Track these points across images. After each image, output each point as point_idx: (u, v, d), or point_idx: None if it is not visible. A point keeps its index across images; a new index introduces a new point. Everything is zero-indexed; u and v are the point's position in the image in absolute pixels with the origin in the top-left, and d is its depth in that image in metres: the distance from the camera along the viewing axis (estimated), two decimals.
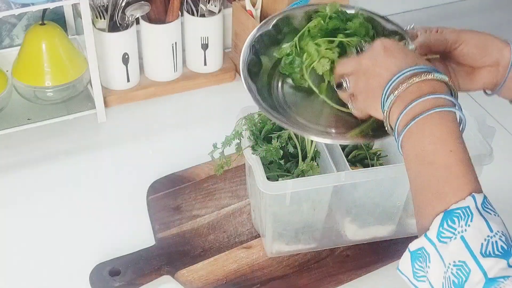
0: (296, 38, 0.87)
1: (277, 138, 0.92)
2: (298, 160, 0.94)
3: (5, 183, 1.10)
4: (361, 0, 1.52)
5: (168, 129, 1.26)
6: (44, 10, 1.15)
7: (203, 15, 1.30)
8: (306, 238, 0.97)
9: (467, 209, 0.65)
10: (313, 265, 0.97)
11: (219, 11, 1.31)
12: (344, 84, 0.78)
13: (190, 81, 1.35)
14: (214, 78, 1.37)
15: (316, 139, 0.82)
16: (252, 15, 1.33)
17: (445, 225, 0.65)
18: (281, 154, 0.92)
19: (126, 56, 1.26)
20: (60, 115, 1.19)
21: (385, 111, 0.72)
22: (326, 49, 0.85)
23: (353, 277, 0.96)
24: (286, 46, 0.87)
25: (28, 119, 1.17)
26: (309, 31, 0.87)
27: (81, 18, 1.12)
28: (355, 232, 0.99)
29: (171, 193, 1.08)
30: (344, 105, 0.82)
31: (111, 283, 0.92)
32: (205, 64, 1.36)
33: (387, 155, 1.04)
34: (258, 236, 1.01)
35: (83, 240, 1.01)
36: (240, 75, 0.87)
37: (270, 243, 0.96)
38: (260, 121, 0.96)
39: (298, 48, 0.87)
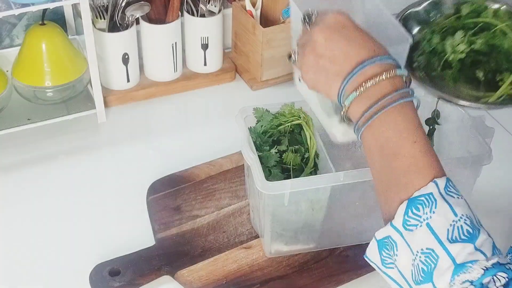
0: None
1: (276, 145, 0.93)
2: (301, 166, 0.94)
3: (5, 183, 1.10)
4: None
5: (168, 129, 1.26)
6: (44, 10, 1.15)
7: (203, 15, 1.30)
8: (305, 238, 0.97)
9: (431, 195, 0.66)
10: (313, 265, 0.98)
11: (219, 11, 1.31)
12: (293, 56, 0.78)
13: (190, 81, 1.35)
14: (214, 78, 1.37)
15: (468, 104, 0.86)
16: (252, 15, 1.33)
17: (410, 213, 0.66)
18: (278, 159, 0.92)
19: (126, 56, 1.26)
20: (60, 115, 1.19)
21: (345, 105, 0.72)
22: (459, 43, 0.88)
23: (353, 277, 0.96)
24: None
25: (28, 119, 1.17)
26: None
27: (81, 18, 1.12)
28: (344, 134, 0.97)
29: (171, 193, 1.08)
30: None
31: (111, 283, 0.92)
32: (205, 64, 1.36)
33: None
34: (258, 236, 1.01)
35: (83, 240, 1.01)
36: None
37: (269, 243, 0.96)
38: (257, 120, 0.96)
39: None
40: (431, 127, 1.02)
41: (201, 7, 1.29)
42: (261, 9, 1.36)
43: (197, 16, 1.30)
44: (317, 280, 0.96)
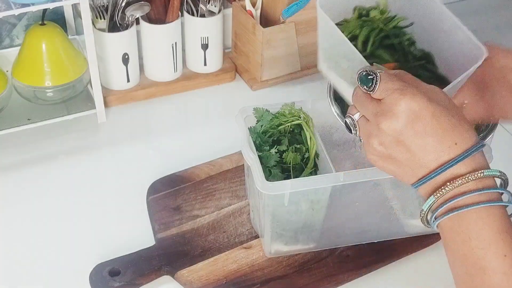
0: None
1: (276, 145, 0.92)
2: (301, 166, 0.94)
3: (5, 183, 1.10)
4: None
5: (168, 129, 1.26)
6: (44, 10, 1.15)
7: (203, 15, 1.30)
8: (305, 239, 0.97)
9: None
10: (313, 265, 0.97)
11: (219, 11, 1.31)
12: (351, 127, 0.70)
13: (190, 81, 1.35)
14: (214, 78, 1.37)
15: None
16: (252, 15, 1.33)
17: None
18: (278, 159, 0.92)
19: (126, 56, 1.26)
20: (60, 115, 1.19)
21: (422, 210, 0.66)
22: None
23: (353, 277, 0.96)
24: None
25: (28, 119, 1.17)
26: None
27: (81, 18, 1.12)
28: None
29: (171, 193, 1.08)
30: None
31: (111, 283, 0.92)
32: (205, 64, 1.36)
33: None
34: (258, 236, 1.01)
35: (83, 240, 1.01)
36: None
37: (269, 243, 0.96)
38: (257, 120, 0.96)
39: None
40: None
41: (201, 7, 1.29)
42: (261, 9, 1.36)
43: (197, 16, 1.30)
44: (317, 280, 0.96)
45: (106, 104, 1.25)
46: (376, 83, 0.66)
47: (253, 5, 1.35)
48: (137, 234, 1.02)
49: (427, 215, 0.66)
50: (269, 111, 0.97)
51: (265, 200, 0.89)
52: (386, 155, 0.66)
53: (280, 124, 0.96)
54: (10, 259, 0.98)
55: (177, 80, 1.34)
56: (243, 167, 1.10)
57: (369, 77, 0.67)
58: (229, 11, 1.39)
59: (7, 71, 1.19)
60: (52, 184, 1.11)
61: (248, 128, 0.95)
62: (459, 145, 0.63)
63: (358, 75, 0.68)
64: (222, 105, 1.34)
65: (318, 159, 0.95)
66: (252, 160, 0.89)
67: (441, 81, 0.73)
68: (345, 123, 0.72)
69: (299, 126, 0.96)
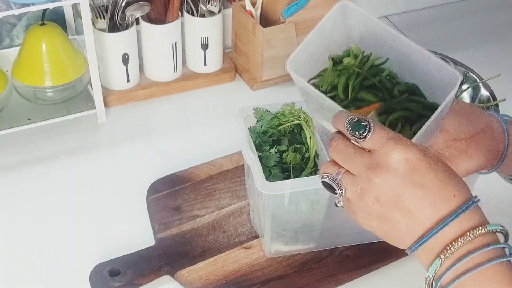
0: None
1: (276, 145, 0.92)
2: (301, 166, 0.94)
3: (5, 183, 1.10)
4: (360, 1, 1.53)
5: (168, 129, 1.26)
6: (44, 10, 1.15)
7: (203, 15, 1.30)
8: (305, 239, 0.97)
9: None
10: (313, 265, 0.97)
11: (219, 11, 1.31)
12: (334, 186, 0.62)
13: (190, 81, 1.35)
14: (214, 78, 1.37)
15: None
16: (252, 15, 1.33)
17: None
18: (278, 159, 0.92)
19: (126, 56, 1.26)
20: (60, 115, 1.19)
21: (428, 276, 0.61)
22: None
23: (353, 277, 0.96)
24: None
25: (28, 119, 1.17)
26: None
27: (81, 18, 1.12)
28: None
29: (171, 193, 1.08)
30: None
31: (111, 283, 0.92)
32: (205, 64, 1.36)
33: None
34: (258, 236, 1.01)
35: (83, 240, 1.01)
36: None
37: (269, 243, 0.96)
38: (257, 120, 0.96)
39: None
40: None
41: (201, 7, 1.29)
42: (261, 9, 1.36)
43: (197, 16, 1.30)
44: (317, 280, 0.96)
45: (106, 104, 1.25)
46: (369, 131, 0.60)
47: (253, 5, 1.35)
48: (137, 234, 1.02)
49: (432, 283, 0.60)
50: (269, 111, 0.97)
51: (265, 200, 0.89)
52: (380, 213, 0.59)
53: (280, 124, 0.96)
54: (10, 259, 0.98)
55: (177, 80, 1.34)
56: (243, 167, 1.11)
57: (361, 123, 0.61)
58: (229, 11, 1.39)
59: (7, 71, 1.19)
60: (52, 184, 1.11)
61: (248, 128, 0.96)
62: (457, 197, 0.58)
63: (348, 121, 0.61)
64: (222, 105, 1.34)
65: (318, 159, 0.95)
66: (252, 160, 0.89)
67: (431, 110, 0.72)
68: (324, 183, 0.64)
69: (299, 126, 0.96)
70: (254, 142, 0.94)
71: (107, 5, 1.22)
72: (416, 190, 0.58)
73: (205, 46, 1.33)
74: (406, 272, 0.98)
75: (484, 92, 1.11)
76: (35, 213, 1.05)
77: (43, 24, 1.16)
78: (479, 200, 0.60)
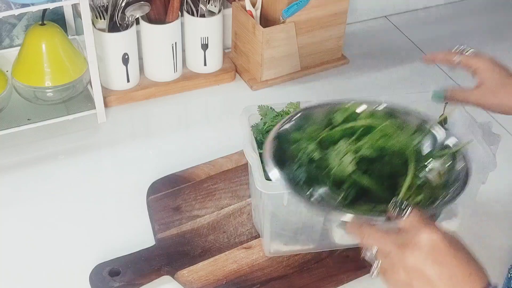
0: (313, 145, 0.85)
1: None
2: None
3: (5, 183, 1.10)
4: (361, 1, 1.53)
5: (168, 129, 1.26)
6: (44, 10, 1.15)
7: (203, 15, 1.30)
8: (305, 239, 0.97)
9: None
10: (313, 265, 0.97)
11: (219, 11, 1.31)
12: (373, 265, 0.72)
13: (190, 81, 1.35)
14: (214, 78, 1.37)
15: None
16: (252, 15, 1.33)
17: None
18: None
19: (126, 56, 1.26)
20: (60, 115, 1.19)
21: None
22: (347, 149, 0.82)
23: (353, 277, 0.96)
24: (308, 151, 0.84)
25: (28, 119, 1.17)
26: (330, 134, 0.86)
27: (81, 18, 1.12)
28: (341, 237, 0.98)
29: (171, 193, 1.08)
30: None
31: (111, 284, 0.92)
32: (205, 64, 1.36)
33: None
34: (258, 236, 1.01)
35: (83, 241, 1.01)
36: None
37: (268, 242, 0.96)
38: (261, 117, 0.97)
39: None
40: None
41: (201, 7, 1.29)
42: (261, 9, 1.36)
43: (197, 16, 1.30)
44: (317, 280, 0.96)
45: (106, 104, 1.25)
46: (407, 211, 0.72)
47: (253, 5, 1.35)
48: (137, 234, 1.02)
49: None
50: (273, 109, 0.97)
51: (265, 199, 0.89)
52: (407, 282, 0.69)
53: None
54: (10, 259, 0.98)
55: (177, 80, 1.34)
56: (243, 167, 1.11)
57: (402, 206, 0.73)
58: (229, 11, 1.39)
59: (7, 71, 1.19)
60: (52, 184, 1.11)
61: (251, 126, 0.95)
62: (473, 276, 0.66)
63: (393, 202, 0.74)
64: (222, 105, 1.34)
65: None
66: (252, 159, 0.89)
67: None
68: (364, 258, 0.75)
69: None
70: (256, 139, 0.93)
71: (107, 5, 1.22)
72: (437, 266, 0.67)
73: (205, 46, 1.33)
74: None
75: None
76: (35, 213, 1.05)
77: (43, 24, 1.16)
78: (496, 286, 0.66)
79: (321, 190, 0.82)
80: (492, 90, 0.92)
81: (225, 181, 1.11)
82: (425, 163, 0.85)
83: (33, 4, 1.06)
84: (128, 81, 1.30)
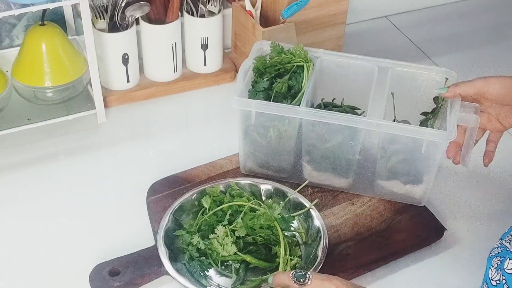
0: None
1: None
2: None
3: (5, 183, 1.10)
4: (361, 1, 1.53)
5: (168, 129, 1.26)
6: (44, 11, 1.15)
7: (203, 16, 1.31)
8: (276, 166, 1.08)
9: None
10: None
11: (219, 11, 1.31)
12: None
13: (190, 81, 1.35)
14: (214, 78, 1.37)
15: None
16: (252, 15, 1.33)
17: None
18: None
19: (126, 57, 1.26)
20: (60, 115, 1.19)
21: None
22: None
23: (353, 276, 0.96)
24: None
25: (28, 120, 1.17)
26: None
27: (81, 18, 1.12)
28: (310, 173, 1.07)
29: (171, 194, 1.08)
30: None
31: (110, 283, 0.92)
32: (205, 64, 1.36)
33: None
34: None
35: (83, 241, 1.01)
36: None
37: (244, 159, 1.09)
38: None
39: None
40: (439, 105, 1.05)
41: (201, 7, 1.29)
42: (261, 9, 1.36)
43: (197, 16, 1.30)
44: None
45: (106, 104, 1.25)
46: (309, 278, 0.81)
47: (253, 5, 1.35)
48: (137, 234, 1.02)
49: None
50: (283, 48, 1.09)
51: (238, 117, 1.03)
52: None
53: (289, 62, 1.07)
54: (10, 259, 0.98)
55: (177, 80, 1.34)
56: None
57: (303, 274, 0.81)
58: (229, 11, 1.39)
59: (7, 71, 1.19)
60: (52, 184, 1.11)
61: (257, 56, 1.09)
62: None
63: (292, 275, 0.82)
64: (222, 105, 1.34)
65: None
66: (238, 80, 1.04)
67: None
68: None
69: (302, 67, 1.07)
70: (258, 68, 1.07)
71: (107, 5, 1.22)
72: None
73: (205, 46, 1.33)
74: (406, 271, 0.98)
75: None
76: (35, 213, 1.05)
77: (43, 24, 1.16)
78: None
79: (216, 279, 0.93)
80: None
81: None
82: (290, 224, 0.97)
83: (33, 4, 1.06)
84: (128, 81, 1.30)
